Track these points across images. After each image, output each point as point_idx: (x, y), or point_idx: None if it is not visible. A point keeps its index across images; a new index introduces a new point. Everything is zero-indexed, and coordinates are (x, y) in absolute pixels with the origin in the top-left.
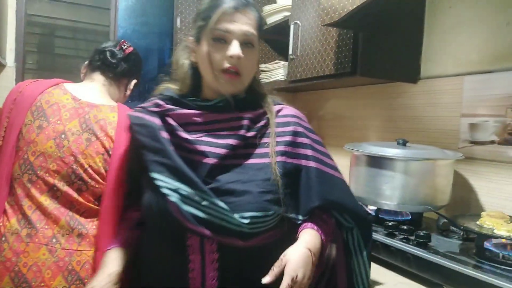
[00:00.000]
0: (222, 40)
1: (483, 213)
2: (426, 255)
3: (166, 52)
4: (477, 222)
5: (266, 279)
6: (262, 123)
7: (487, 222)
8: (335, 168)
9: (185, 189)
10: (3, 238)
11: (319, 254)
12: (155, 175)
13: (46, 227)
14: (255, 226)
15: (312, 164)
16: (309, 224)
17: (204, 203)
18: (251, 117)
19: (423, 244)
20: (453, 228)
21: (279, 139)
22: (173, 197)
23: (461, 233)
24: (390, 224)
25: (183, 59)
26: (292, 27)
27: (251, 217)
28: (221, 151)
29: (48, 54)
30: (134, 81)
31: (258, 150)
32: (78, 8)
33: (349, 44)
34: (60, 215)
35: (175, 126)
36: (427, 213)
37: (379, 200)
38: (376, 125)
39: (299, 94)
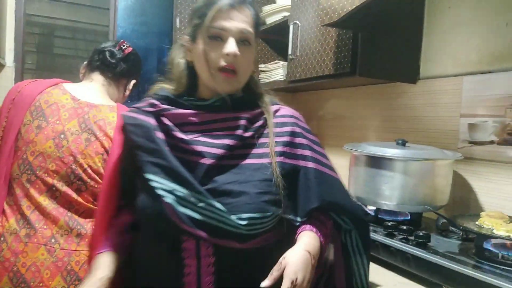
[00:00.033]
0: (218, 38)
1: (482, 213)
2: (426, 255)
3: (165, 52)
4: (477, 222)
5: (265, 283)
6: (259, 123)
7: (486, 222)
8: (333, 169)
9: (180, 190)
10: (2, 238)
11: (318, 256)
12: (150, 176)
13: (45, 227)
14: (253, 227)
15: (310, 164)
16: (308, 226)
17: (201, 204)
18: (248, 117)
19: (423, 244)
20: (452, 228)
21: (276, 139)
22: (169, 199)
23: (461, 233)
24: (389, 224)
25: (178, 58)
26: (291, 27)
27: (248, 218)
28: (218, 151)
29: (47, 54)
30: (133, 81)
31: (256, 150)
32: (77, 8)
33: (348, 44)
34: (59, 215)
35: (170, 126)
36: (427, 213)
37: (378, 200)
38: (375, 125)
39: (298, 94)
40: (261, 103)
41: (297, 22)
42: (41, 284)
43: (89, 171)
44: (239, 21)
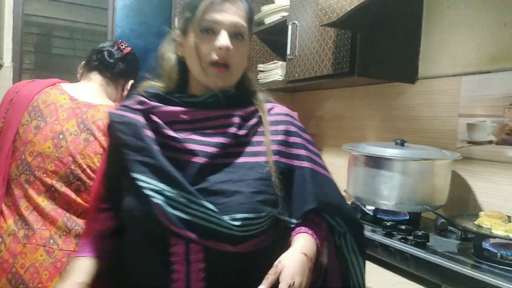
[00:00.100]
0: (210, 31)
1: (481, 213)
2: (424, 255)
3: None
4: (475, 222)
5: None
6: (254, 121)
7: (485, 222)
8: (327, 169)
9: (170, 190)
10: (0, 240)
11: (315, 259)
12: (137, 175)
13: (43, 228)
14: (247, 228)
15: (305, 164)
16: (303, 228)
17: (191, 205)
18: (242, 114)
19: (421, 244)
20: (451, 228)
21: (271, 137)
22: (157, 199)
23: (459, 233)
24: (388, 224)
25: (169, 53)
26: (290, 27)
27: (242, 219)
28: (212, 149)
29: (46, 54)
30: (132, 81)
31: (250, 149)
32: (76, 8)
33: (347, 44)
34: (57, 216)
35: (160, 124)
36: (425, 213)
37: (377, 200)
38: (374, 125)
39: (297, 94)
40: (255, 101)
41: (296, 22)
42: (40, 285)
43: (88, 171)
44: (231, 14)
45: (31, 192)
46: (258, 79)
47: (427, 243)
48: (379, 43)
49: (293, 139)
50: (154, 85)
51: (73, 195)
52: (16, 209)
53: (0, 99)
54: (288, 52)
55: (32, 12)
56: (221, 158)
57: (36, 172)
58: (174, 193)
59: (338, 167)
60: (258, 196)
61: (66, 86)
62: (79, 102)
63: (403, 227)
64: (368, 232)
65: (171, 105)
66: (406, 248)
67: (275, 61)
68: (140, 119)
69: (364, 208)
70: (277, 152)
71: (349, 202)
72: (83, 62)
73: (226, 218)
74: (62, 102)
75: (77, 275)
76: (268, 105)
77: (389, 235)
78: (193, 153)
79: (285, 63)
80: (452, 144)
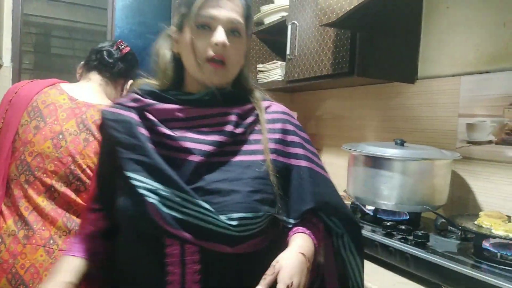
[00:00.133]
0: (206, 27)
1: (481, 213)
2: (425, 255)
3: None
4: (475, 222)
5: None
6: (250, 119)
7: (485, 222)
8: (325, 169)
9: (165, 189)
10: (0, 240)
11: (313, 260)
12: (131, 174)
13: (43, 228)
14: (244, 228)
15: (303, 163)
16: (300, 227)
17: (187, 204)
18: (239, 112)
19: (421, 244)
20: (451, 228)
21: (268, 136)
22: (152, 198)
23: (459, 233)
24: (388, 224)
25: (164, 50)
26: (289, 27)
27: (239, 219)
28: (208, 148)
29: (45, 54)
30: (131, 81)
31: (247, 147)
32: (75, 8)
33: (346, 44)
34: (57, 216)
35: (155, 121)
36: (425, 213)
37: (377, 200)
38: (373, 125)
39: (296, 94)
40: (252, 99)
41: (295, 22)
42: (40, 286)
43: (88, 171)
44: (228, 10)
45: (31, 192)
46: (258, 79)
47: (427, 243)
48: (379, 43)
49: (290, 137)
50: (149, 82)
51: (73, 195)
52: (16, 209)
53: (0, 98)
54: (288, 52)
55: (31, 12)
56: (217, 157)
57: (36, 172)
58: (169, 192)
59: (337, 167)
60: (255, 195)
61: (66, 86)
62: (78, 102)
63: (403, 227)
64: (368, 232)
65: (166, 103)
66: (406, 248)
67: (274, 61)
68: (134, 116)
69: (364, 208)
70: (274, 151)
71: (348, 202)
72: (82, 62)
73: (222, 217)
74: (62, 102)
75: (64, 274)
76: (265, 103)
77: (389, 235)
78: (189, 151)
79: (284, 63)
80: (451, 144)
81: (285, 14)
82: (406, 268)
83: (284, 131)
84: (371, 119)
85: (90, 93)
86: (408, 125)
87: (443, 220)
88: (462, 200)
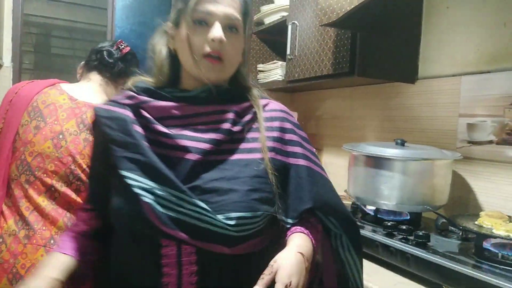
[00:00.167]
0: (203, 23)
1: (481, 213)
2: (425, 255)
3: None
4: (476, 222)
5: None
6: (248, 117)
7: (485, 222)
8: (323, 168)
9: (160, 188)
10: (1, 240)
11: (311, 260)
12: (125, 173)
13: (44, 228)
14: (242, 228)
15: (301, 162)
16: (299, 227)
17: (183, 204)
18: (237, 110)
19: (422, 244)
20: (451, 228)
21: (266, 134)
22: (147, 198)
23: (460, 233)
24: (389, 224)
25: (160, 46)
26: (289, 27)
27: (237, 218)
28: (205, 146)
29: (45, 54)
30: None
31: (244, 145)
32: (75, 8)
33: (347, 44)
34: (58, 216)
35: (150, 119)
36: (426, 213)
37: (377, 200)
38: (374, 125)
39: (297, 94)
40: (250, 96)
41: (296, 22)
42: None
43: (88, 171)
44: (226, 5)
45: (31, 192)
46: (258, 79)
47: (428, 243)
48: (379, 43)
49: (288, 136)
50: (144, 80)
51: (73, 195)
52: (16, 209)
53: (0, 99)
54: (288, 52)
55: (31, 12)
56: (214, 155)
57: (36, 172)
58: (164, 192)
59: (338, 167)
60: (254, 194)
61: (66, 86)
62: (78, 102)
63: (404, 227)
64: (368, 232)
65: (162, 100)
66: (407, 248)
67: (275, 61)
68: (129, 114)
69: (364, 208)
70: (272, 149)
71: (349, 203)
72: (83, 62)
73: (220, 217)
74: (62, 102)
75: (52, 270)
76: (263, 101)
77: (389, 235)
78: (186, 149)
79: (285, 63)
80: (452, 144)
81: (285, 14)
82: (407, 268)
83: (282, 130)
84: (371, 119)
85: (90, 93)
86: (409, 125)
87: (444, 220)
88: (463, 200)
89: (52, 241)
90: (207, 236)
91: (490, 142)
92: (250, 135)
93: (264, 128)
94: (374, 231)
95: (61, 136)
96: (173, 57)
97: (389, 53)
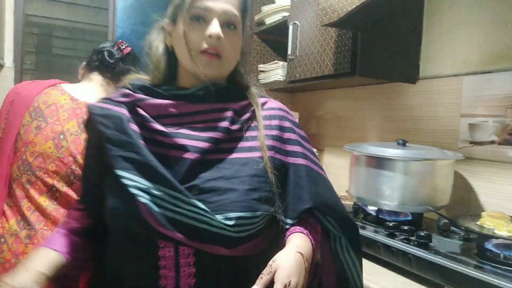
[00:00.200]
0: (200, 19)
1: (483, 214)
2: (427, 256)
3: None
4: (478, 223)
5: None
6: (247, 115)
7: (487, 223)
8: (322, 168)
9: (157, 188)
10: (2, 240)
11: (311, 261)
12: (121, 172)
13: (45, 228)
14: (241, 228)
15: (300, 161)
16: (298, 227)
17: (180, 204)
18: (235, 108)
19: (424, 244)
20: (453, 228)
21: (265, 132)
22: (143, 198)
23: (462, 234)
24: (390, 224)
25: (157, 42)
26: (291, 27)
27: (236, 218)
28: (203, 144)
29: (46, 54)
30: None
31: (243, 144)
32: (76, 8)
33: (348, 45)
34: (59, 216)
35: (147, 117)
36: (428, 213)
37: (379, 201)
38: (375, 125)
39: (298, 94)
40: (248, 95)
41: (297, 22)
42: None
43: None
44: (224, 2)
45: (33, 192)
46: (259, 79)
47: (430, 244)
48: (380, 43)
49: (287, 135)
50: (140, 77)
51: (74, 195)
52: (18, 209)
53: (2, 99)
54: (289, 52)
55: (32, 12)
56: (212, 154)
57: (37, 172)
58: (161, 192)
59: (339, 167)
60: (253, 193)
61: (67, 87)
62: (79, 103)
63: (406, 227)
64: (370, 233)
65: (159, 98)
66: (409, 249)
67: (276, 61)
68: (124, 112)
69: (366, 209)
70: (272, 148)
71: (350, 203)
72: (84, 63)
73: (219, 217)
74: (63, 102)
75: (39, 264)
76: (261, 100)
77: (391, 235)
78: (184, 148)
79: (286, 63)
80: (453, 144)
81: (286, 14)
82: (408, 269)
83: (281, 128)
84: (372, 119)
85: (92, 93)
86: (410, 125)
87: (446, 221)
88: (465, 201)
89: None
90: (205, 237)
91: (492, 142)
92: (248, 133)
93: (263, 126)
94: (375, 231)
95: (62, 136)
96: (170, 54)
97: (390, 53)
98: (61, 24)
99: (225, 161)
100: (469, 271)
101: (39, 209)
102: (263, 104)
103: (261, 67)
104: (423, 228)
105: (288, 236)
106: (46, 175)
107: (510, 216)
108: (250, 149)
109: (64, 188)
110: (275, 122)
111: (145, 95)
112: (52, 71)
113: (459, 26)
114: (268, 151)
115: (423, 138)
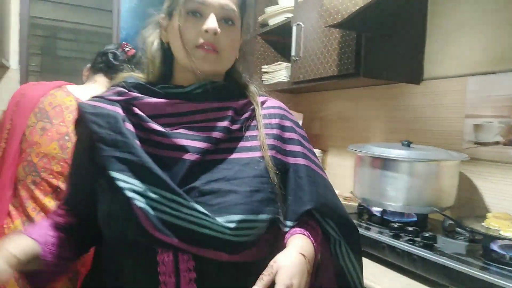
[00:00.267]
0: (197, 14)
1: (488, 215)
2: (432, 257)
3: None
4: (483, 224)
5: None
6: (247, 114)
7: (493, 224)
8: (322, 168)
9: (154, 191)
10: None
11: (313, 263)
12: (115, 174)
13: None
14: (243, 232)
15: (301, 161)
16: (298, 229)
17: (179, 207)
18: (235, 107)
19: (429, 245)
20: (458, 229)
21: (265, 131)
22: (139, 201)
23: (467, 235)
24: (395, 225)
25: (152, 38)
26: (294, 28)
27: (238, 221)
28: (203, 145)
29: (51, 56)
30: None
31: (243, 144)
32: (81, 11)
33: (352, 45)
34: None
35: (143, 117)
36: (433, 214)
37: (384, 202)
38: (379, 126)
39: (302, 95)
40: (247, 93)
41: (300, 23)
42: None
43: None
44: None
45: (38, 193)
46: (263, 81)
47: (435, 245)
48: (384, 44)
49: (288, 134)
50: (135, 75)
51: None
52: (23, 210)
53: (7, 100)
54: (293, 53)
55: (37, 15)
56: (212, 155)
57: (42, 173)
58: (158, 195)
59: (343, 168)
60: (256, 195)
61: (72, 88)
62: None
63: (411, 228)
64: (375, 234)
65: (154, 97)
66: (414, 250)
67: (279, 62)
68: (119, 111)
69: (371, 210)
70: (273, 147)
71: (355, 204)
72: (89, 65)
73: (220, 220)
74: (68, 104)
75: (12, 245)
76: (260, 98)
77: (396, 236)
78: (183, 149)
79: (289, 64)
80: (458, 145)
81: (290, 15)
82: (413, 270)
83: (282, 127)
84: (377, 120)
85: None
86: (414, 126)
87: (451, 222)
88: (470, 202)
89: None
90: (205, 242)
91: (497, 143)
92: (248, 133)
93: (263, 125)
94: (380, 232)
95: (67, 138)
96: (166, 50)
97: (394, 54)
98: (66, 26)
99: (226, 162)
100: (475, 272)
101: (44, 209)
102: (263, 102)
103: (265, 68)
104: (428, 229)
105: (289, 238)
106: (51, 176)
107: None
108: (250, 148)
109: None
110: (275, 121)
111: (140, 93)
112: (57, 73)
113: (463, 26)
114: (269, 151)
115: (428, 139)
